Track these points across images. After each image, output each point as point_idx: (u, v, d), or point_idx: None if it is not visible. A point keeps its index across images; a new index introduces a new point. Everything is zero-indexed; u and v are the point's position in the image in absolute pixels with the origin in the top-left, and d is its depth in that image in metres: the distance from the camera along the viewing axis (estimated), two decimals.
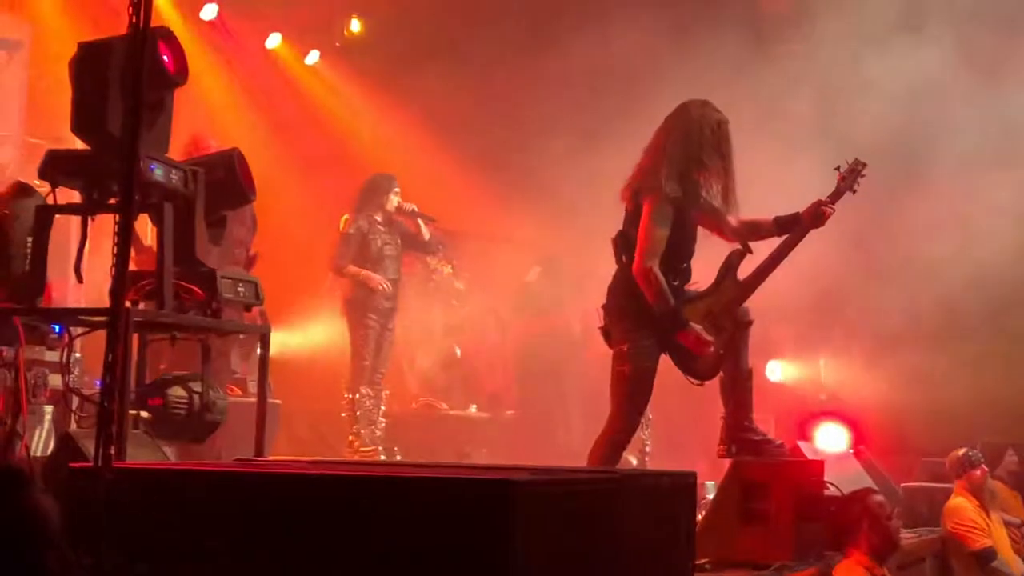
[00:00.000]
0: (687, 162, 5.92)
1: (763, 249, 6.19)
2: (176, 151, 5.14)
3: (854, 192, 6.19)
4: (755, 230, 6.18)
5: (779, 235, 6.14)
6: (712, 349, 5.96)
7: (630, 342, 5.91)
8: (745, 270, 6.13)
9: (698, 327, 5.92)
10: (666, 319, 5.86)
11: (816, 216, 6.08)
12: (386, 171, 9.79)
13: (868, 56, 9.94)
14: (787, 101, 9.74)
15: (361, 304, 9.31)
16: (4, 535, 2.54)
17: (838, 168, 6.20)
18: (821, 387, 10.35)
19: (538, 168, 11.19)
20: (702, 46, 10.07)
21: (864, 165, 6.20)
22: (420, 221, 9.51)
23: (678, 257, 5.98)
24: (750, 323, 6.14)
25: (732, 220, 6.13)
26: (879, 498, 6.05)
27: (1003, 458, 8.83)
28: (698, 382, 6.12)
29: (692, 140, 5.94)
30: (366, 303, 9.29)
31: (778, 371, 10.69)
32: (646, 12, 10.63)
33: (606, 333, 6.07)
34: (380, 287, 9.25)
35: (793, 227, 6.10)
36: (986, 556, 7.82)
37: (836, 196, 6.15)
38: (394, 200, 9.40)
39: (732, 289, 6.07)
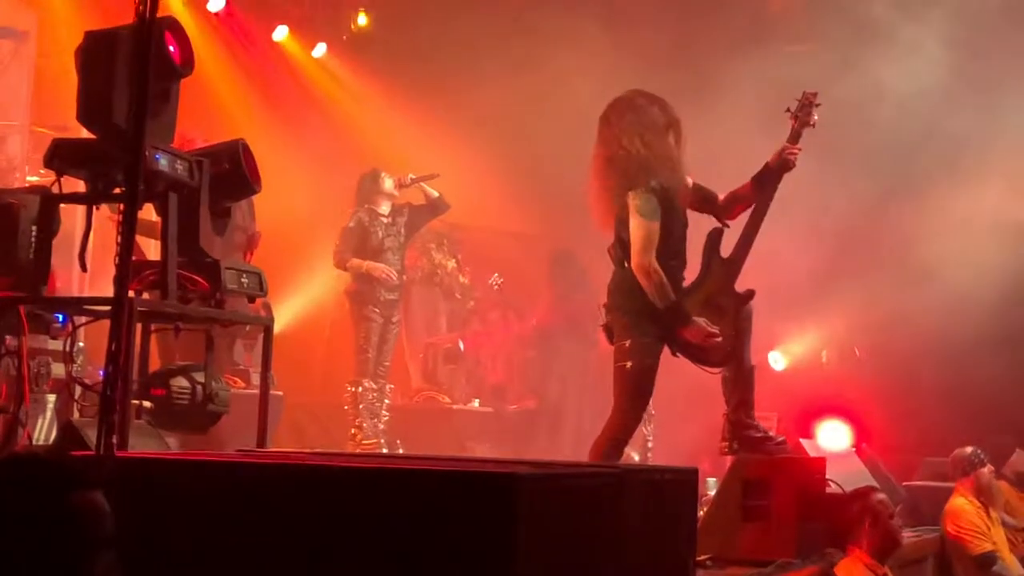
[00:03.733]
0: (650, 149, 5.87)
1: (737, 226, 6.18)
2: None
3: (813, 126, 6.07)
4: (737, 199, 6.15)
5: (760, 193, 6.09)
6: (719, 338, 5.94)
7: (631, 339, 5.90)
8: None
9: (701, 320, 5.91)
10: (669, 314, 5.86)
11: (783, 162, 6.05)
12: (391, 164, 9.82)
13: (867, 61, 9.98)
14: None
15: (363, 297, 9.32)
16: (53, 534, 2.52)
17: (788, 110, 6.12)
18: (823, 379, 10.33)
19: (546, 162, 11.18)
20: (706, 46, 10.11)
21: (815, 95, 6.09)
22: (423, 185, 9.52)
23: (673, 240, 5.95)
24: (751, 295, 6.09)
25: (719, 196, 6.12)
26: (881, 496, 6.04)
27: (1009, 457, 8.80)
28: (716, 371, 6.09)
29: (644, 127, 5.89)
30: (368, 296, 9.29)
31: (781, 361, 10.68)
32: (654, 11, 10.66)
33: (607, 330, 6.07)
34: (384, 275, 9.24)
35: (767, 177, 6.06)
36: (987, 560, 7.79)
37: (795, 136, 6.07)
38: (387, 182, 9.40)
39: (721, 268, 6.05)
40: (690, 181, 6.05)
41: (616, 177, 5.93)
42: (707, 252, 6.08)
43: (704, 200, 6.15)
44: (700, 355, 6.00)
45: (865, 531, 5.81)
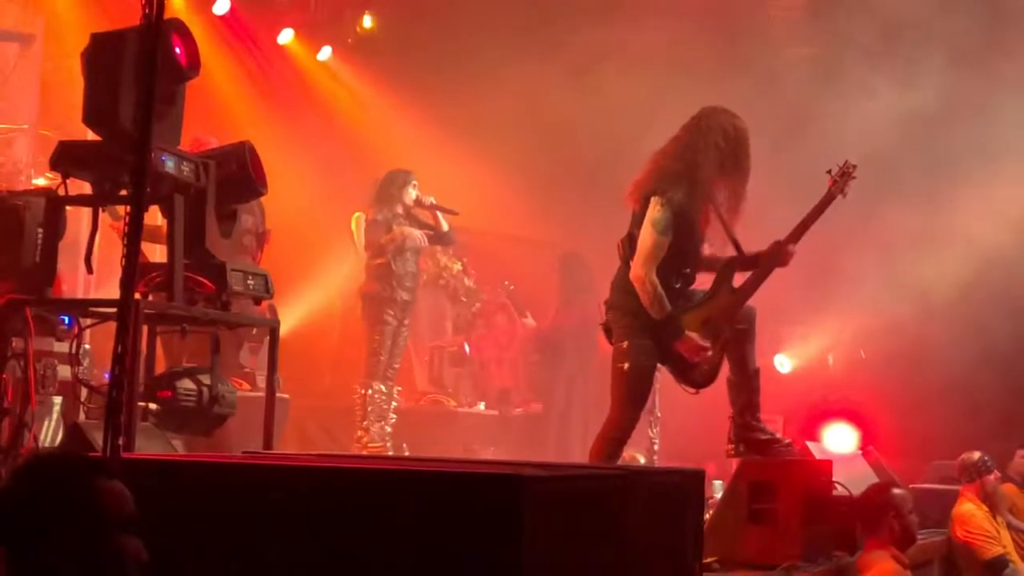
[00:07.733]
0: (697, 168, 5.88)
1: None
2: None
3: (844, 196, 6.11)
4: (710, 266, 6.12)
5: (725, 273, 6.05)
6: (709, 355, 5.94)
7: (630, 339, 5.91)
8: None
9: (694, 335, 5.91)
10: (662, 326, 5.86)
11: (774, 256, 6.01)
12: (397, 167, 9.78)
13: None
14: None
15: (380, 299, 9.25)
16: (80, 521, 2.63)
17: (829, 172, 6.13)
18: (829, 382, 10.31)
19: (553, 165, 11.18)
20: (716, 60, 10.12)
21: (854, 167, 6.11)
22: (439, 213, 9.49)
23: (682, 262, 5.96)
24: (747, 328, 6.11)
25: (705, 248, 6.08)
26: (901, 491, 6.08)
27: (1012, 459, 8.78)
28: (693, 391, 6.10)
29: (707, 146, 5.89)
30: (386, 298, 9.23)
31: (787, 364, 10.68)
32: (657, 20, 10.66)
33: (607, 329, 6.08)
34: (417, 238, 9.23)
35: (745, 267, 6.05)
36: (998, 564, 7.78)
37: (828, 199, 6.05)
38: (412, 193, 9.38)
39: (728, 297, 6.06)
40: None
41: (656, 172, 5.93)
42: (720, 277, 6.08)
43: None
44: (684, 370, 6.01)
45: (888, 524, 5.83)
